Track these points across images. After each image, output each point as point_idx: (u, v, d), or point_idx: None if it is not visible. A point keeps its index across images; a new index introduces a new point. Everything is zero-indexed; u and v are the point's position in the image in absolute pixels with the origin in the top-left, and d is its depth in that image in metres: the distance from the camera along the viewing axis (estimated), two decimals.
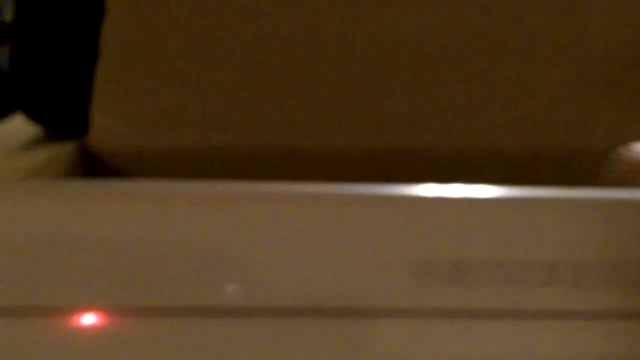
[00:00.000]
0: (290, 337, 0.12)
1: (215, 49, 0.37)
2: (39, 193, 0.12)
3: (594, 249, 0.12)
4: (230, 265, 0.12)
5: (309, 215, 0.13)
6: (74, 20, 0.39)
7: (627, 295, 0.12)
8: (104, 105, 0.37)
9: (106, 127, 0.37)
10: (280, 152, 0.36)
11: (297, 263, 0.12)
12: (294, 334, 0.12)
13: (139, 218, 0.12)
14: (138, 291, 0.12)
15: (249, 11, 0.38)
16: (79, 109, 0.38)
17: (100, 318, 0.12)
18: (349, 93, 0.36)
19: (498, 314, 0.12)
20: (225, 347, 0.12)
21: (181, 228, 0.12)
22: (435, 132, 0.36)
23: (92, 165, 0.37)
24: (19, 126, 0.40)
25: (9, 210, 0.13)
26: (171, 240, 0.12)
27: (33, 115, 0.39)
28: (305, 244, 0.12)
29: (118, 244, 0.12)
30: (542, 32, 0.37)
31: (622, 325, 0.12)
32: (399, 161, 0.36)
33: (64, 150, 0.36)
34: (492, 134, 0.35)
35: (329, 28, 0.37)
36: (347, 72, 0.37)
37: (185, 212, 0.12)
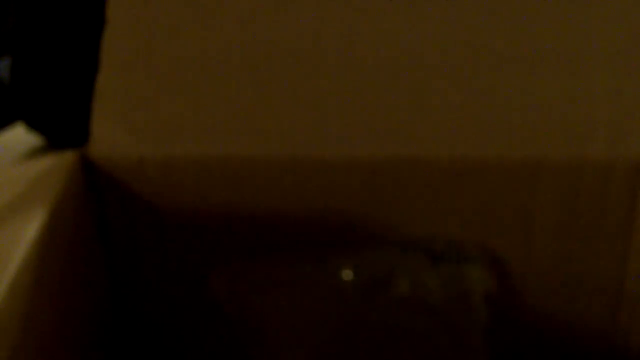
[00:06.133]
0: None
1: (216, 57, 0.37)
2: None
3: None
4: None
5: None
6: (74, 30, 0.39)
7: None
8: (104, 114, 0.37)
9: (106, 136, 0.37)
10: (281, 161, 0.36)
11: None
12: None
13: None
14: None
15: (250, 20, 0.38)
16: (79, 118, 0.38)
17: None
18: (350, 102, 0.37)
19: None
20: None
21: None
22: (435, 141, 0.36)
23: (93, 174, 0.37)
24: (20, 136, 0.40)
25: None
26: None
27: (34, 124, 0.39)
28: None
29: None
30: (542, 39, 0.37)
31: None
32: (399, 170, 0.36)
33: (65, 159, 0.36)
34: (492, 143, 0.36)
35: (329, 37, 0.37)
36: (347, 80, 0.37)
37: None
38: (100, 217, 0.38)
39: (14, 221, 0.30)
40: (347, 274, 0.36)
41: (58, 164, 0.35)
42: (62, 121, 0.39)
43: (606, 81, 0.36)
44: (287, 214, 0.37)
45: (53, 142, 0.38)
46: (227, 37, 0.38)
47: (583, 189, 0.35)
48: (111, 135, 0.37)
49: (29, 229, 0.30)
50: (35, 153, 0.38)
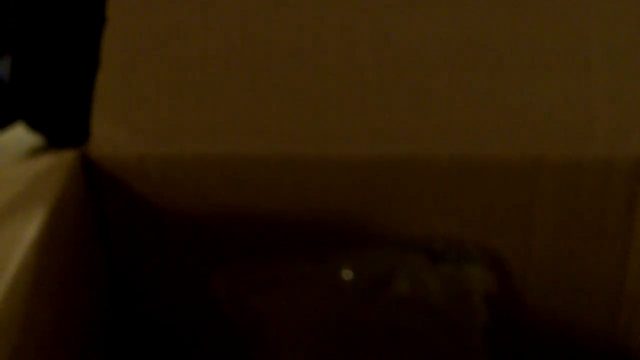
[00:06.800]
0: None
1: (216, 57, 0.37)
2: None
3: None
4: None
5: None
6: (74, 29, 0.39)
7: None
8: (104, 113, 0.37)
9: (106, 135, 0.37)
10: (281, 161, 0.36)
11: None
12: None
13: None
14: None
15: (250, 19, 0.38)
16: (79, 118, 0.38)
17: None
18: (350, 101, 0.37)
19: None
20: None
21: None
22: (435, 140, 0.36)
23: (93, 174, 0.37)
24: (20, 136, 0.40)
25: None
26: None
27: (34, 124, 0.39)
28: None
29: None
30: (542, 38, 0.37)
31: None
32: (399, 170, 0.36)
33: (65, 158, 0.36)
34: (492, 142, 0.36)
35: (329, 37, 0.37)
36: (347, 80, 0.37)
37: None
38: (100, 217, 0.38)
39: (14, 220, 0.30)
40: (347, 274, 0.36)
41: (58, 163, 0.35)
42: (62, 120, 0.39)
43: (606, 81, 0.36)
44: (287, 214, 0.37)
45: (53, 141, 0.38)
46: (227, 37, 0.38)
47: (583, 188, 0.35)
48: (111, 134, 0.37)
49: (29, 229, 0.30)
50: (35, 152, 0.38)
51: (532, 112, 0.36)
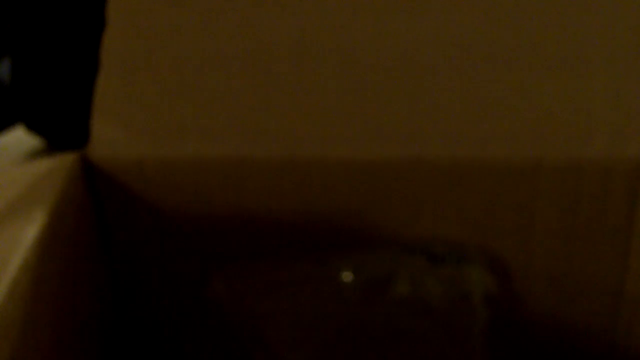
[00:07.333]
0: None
1: (216, 58, 0.37)
2: None
3: None
4: None
5: None
6: (74, 32, 0.39)
7: None
8: (104, 116, 0.37)
9: (106, 138, 0.37)
10: (281, 161, 0.36)
11: None
12: None
13: None
14: None
15: (250, 21, 0.38)
16: (79, 120, 0.38)
17: None
18: (350, 102, 0.37)
19: None
20: None
21: None
22: (435, 142, 0.36)
23: (93, 176, 0.37)
24: (20, 138, 0.40)
25: None
26: None
27: (34, 127, 0.39)
28: None
29: None
30: (542, 39, 0.37)
31: None
32: (398, 171, 0.36)
33: (65, 161, 0.36)
34: (492, 143, 0.36)
35: (330, 37, 0.38)
36: (348, 81, 0.37)
37: None
38: (100, 219, 0.38)
39: (14, 222, 0.30)
40: (347, 276, 0.36)
41: (58, 166, 0.35)
42: (62, 123, 0.39)
43: (606, 82, 0.36)
44: (287, 216, 0.37)
45: (53, 143, 0.38)
46: (227, 37, 0.38)
47: (583, 189, 0.35)
48: (111, 136, 0.37)
49: (29, 230, 0.30)
50: (35, 155, 0.38)
51: (532, 113, 0.36)
